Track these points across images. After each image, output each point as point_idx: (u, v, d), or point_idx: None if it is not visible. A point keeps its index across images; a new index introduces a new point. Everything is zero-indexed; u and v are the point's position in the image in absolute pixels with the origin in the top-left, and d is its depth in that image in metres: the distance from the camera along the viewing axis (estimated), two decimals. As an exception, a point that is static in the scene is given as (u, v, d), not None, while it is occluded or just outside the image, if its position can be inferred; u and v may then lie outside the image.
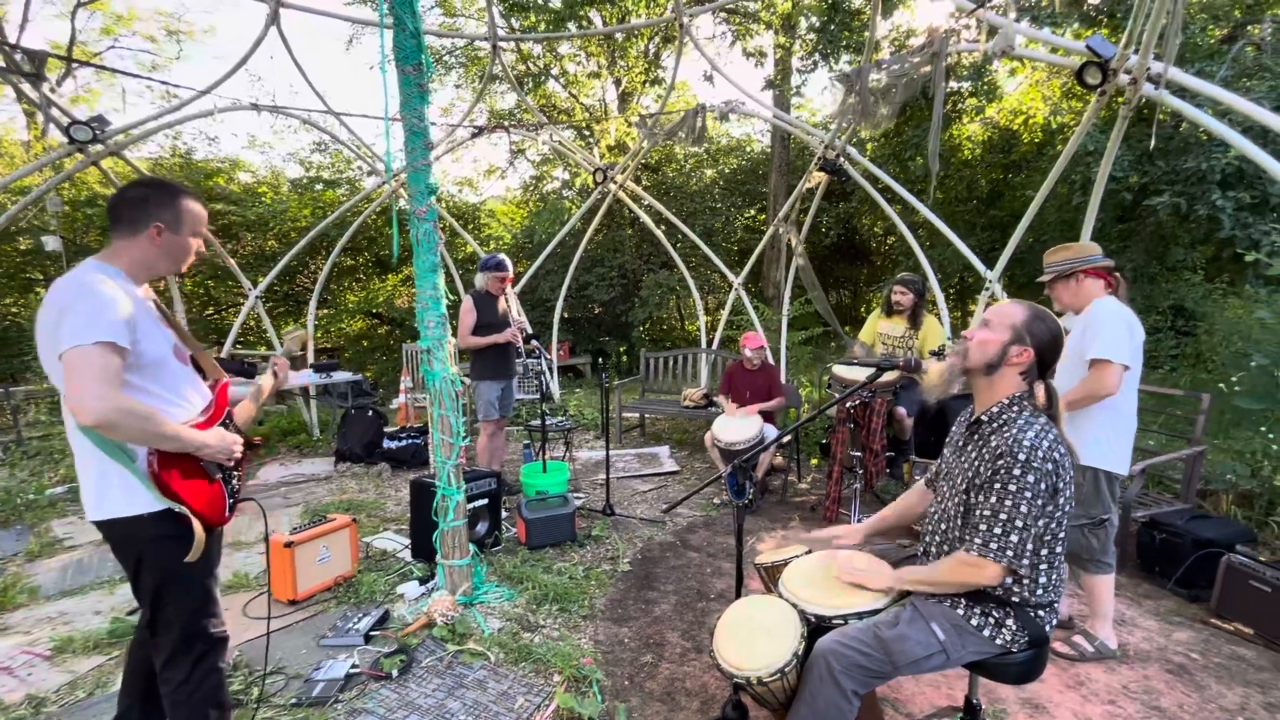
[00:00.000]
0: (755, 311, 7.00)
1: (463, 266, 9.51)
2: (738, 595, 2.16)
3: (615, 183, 6.79)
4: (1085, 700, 2.42)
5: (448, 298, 3.07)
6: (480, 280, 4.43)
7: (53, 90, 4.55)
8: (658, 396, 6.90)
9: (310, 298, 6.87)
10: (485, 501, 3.71)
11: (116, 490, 1.62)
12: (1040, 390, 1.76)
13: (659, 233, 7.33)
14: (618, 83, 12.29)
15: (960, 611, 1.70)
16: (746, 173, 12.73)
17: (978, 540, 1.62)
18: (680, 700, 2.42)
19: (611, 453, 4.77)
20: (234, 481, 1.88)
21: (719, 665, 1.81)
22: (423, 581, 3.27)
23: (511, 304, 4.60)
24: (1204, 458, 3.82)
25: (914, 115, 7.20)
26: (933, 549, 1.85)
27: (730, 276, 6.90)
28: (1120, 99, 3.49)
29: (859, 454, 4.07)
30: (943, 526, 1.81)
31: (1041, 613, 1.68)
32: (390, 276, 12.89)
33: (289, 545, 3.09)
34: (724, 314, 7.23)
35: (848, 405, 4.08)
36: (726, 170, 12.50)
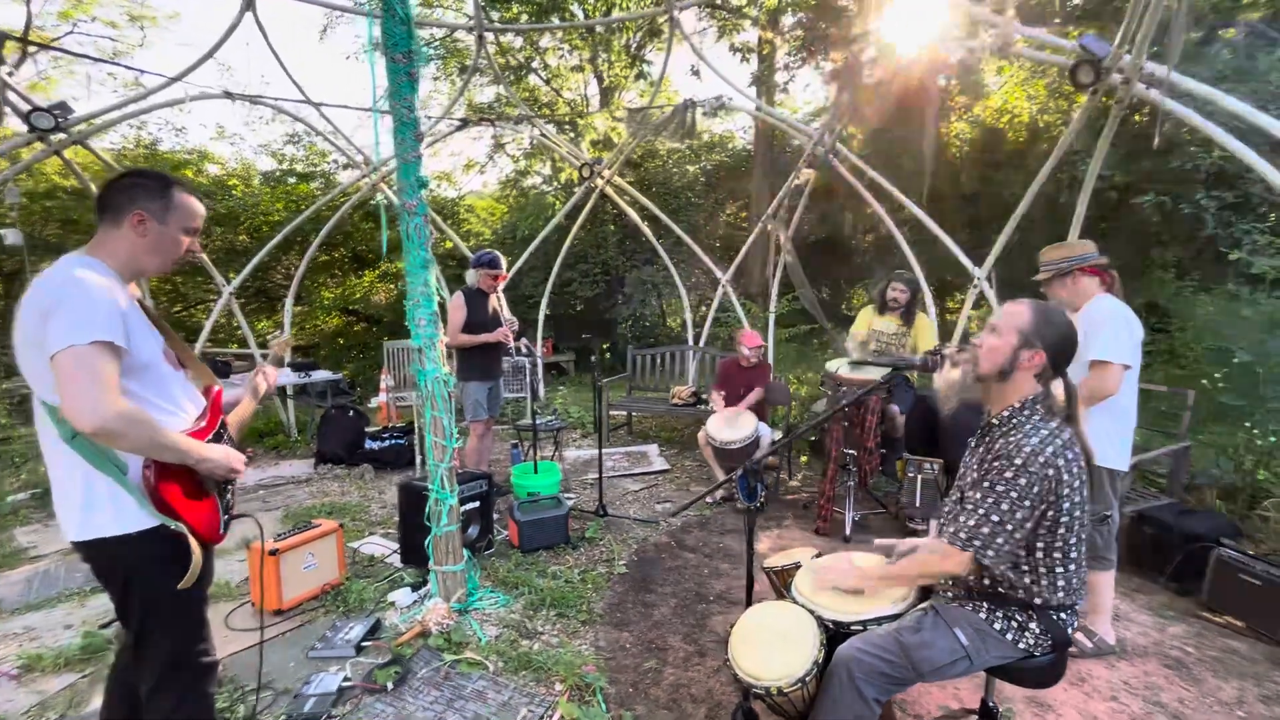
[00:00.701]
0: (742, 308, 6.98)
1: (442, 263, 9.33)
2: (748, 600, 2.12)
3: (603, 178, 6.70)
4: (1088, 697, 2.43)
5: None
6: (471, 277, 4.32)
7: (10, 74, 4.29)
8: (644, 394, 6.84)
9: (283, 294, 6.66)
10: (476, 504, 3.61)
11: (105, 507, 1.50)
12: (1058, 389, 1.74)
13: (646, 229, 7.25)
14: (600, 77, 12.16)
15: (983, 615, 1.67)
16: (729, 169, 12.72)
17: (950, 529, 1.64)
18: (687, 708, 2.37)
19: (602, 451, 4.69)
20: (228, 496, 1.76)
21: (737, 676, 1.75)
22: (415, 588, 3.17)
23: (502, 302, 4.49)
24: (1189, 453, 3.89)
25: (901, 115, 7.24)
26: None
27: (718, 273, 6.86)
28: (1108, 99, 3.52)
29: (853, 452, 4.06)
30: (949, 528, 1.78)
31: (1064, 615, 1.66)
32: (367, 272, 12.61)
33: (274, 553, 2.96)
34: (711, 311, 7.19)
35: (842, 404, 4.06)
36: (709, 166, 12.47)
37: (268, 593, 2.97)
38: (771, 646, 1.76)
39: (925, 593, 1.88)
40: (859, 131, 6.13)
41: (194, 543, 1.57)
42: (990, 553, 1.58)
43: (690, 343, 7.30)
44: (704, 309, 8.28)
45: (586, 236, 9.30)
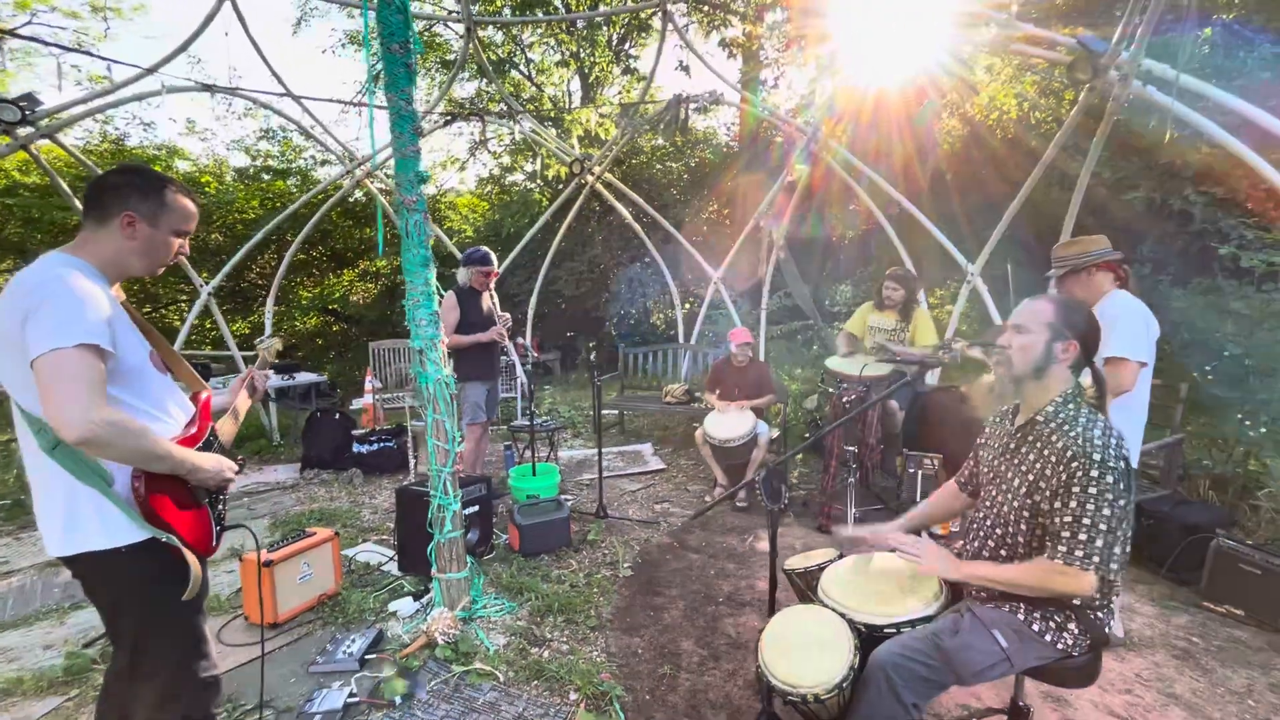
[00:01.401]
0: (734, 306, 6.96)
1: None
2: (771, 603, 2.07)
3: (593, 174, 6.61)
4: (1103, 691, 2.44)
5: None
6: (463, 275, 4.21)
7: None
8: (636, 393, 6.77)
9: (259, 294, 6.47)
10: (476, 509, 3.53)
11: (91, 520, 1.40)
12: (1088, 379, 1.72)
13: (638, 226, 7.18)
14: (584, 74, 12.04)
15: (1020, 617, 1.64)
16: (712, 165, 12.69)
17: (1063, 548, 1.54)
18: (706, 714, 2.32)
19: (596, 452, 4.62)
20: (220, 506, 1.67)
21: (771, 684, 1.71)
22: (416, 597, 3.07)
23: (495, 300, 4.39)
24: (1182, 445, 3.96)
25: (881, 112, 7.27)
26: (985, 554, 1.78)
27: (709, 270, 6.83)
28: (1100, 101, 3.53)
29: (853, 448, 4.05)
30: (998, 531, 1.74)
31: (1101, 614, 1.64)
32: (346, 271, 12.36)
33: (268, 564, 2.84)
34: (703, 308, 7.15)
35: (842, 400, 4.05)
36: (693, 163, 12.42)
37: (260, 605, 2.86)
38: (805, 651, 1.72)
39: (957, 593, 1.86)
40: (843, 133, 6.13)
41: (191, 557, 1.47)
42: (1114, 565, 1.53)
43: (682, 340, 7.26)
44: (689, 305, 8.25)
45: (573, 233, 9.21)
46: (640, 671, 2.57)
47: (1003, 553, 1.73)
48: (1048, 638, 1.62)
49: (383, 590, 3.22)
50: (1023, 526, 1.67)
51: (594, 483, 4.65)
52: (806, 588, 2.11)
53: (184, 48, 4.60)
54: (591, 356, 4.37)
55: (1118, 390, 2.42)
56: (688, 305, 8.14)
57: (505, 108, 7.25)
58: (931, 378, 5.01)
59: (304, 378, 6.30)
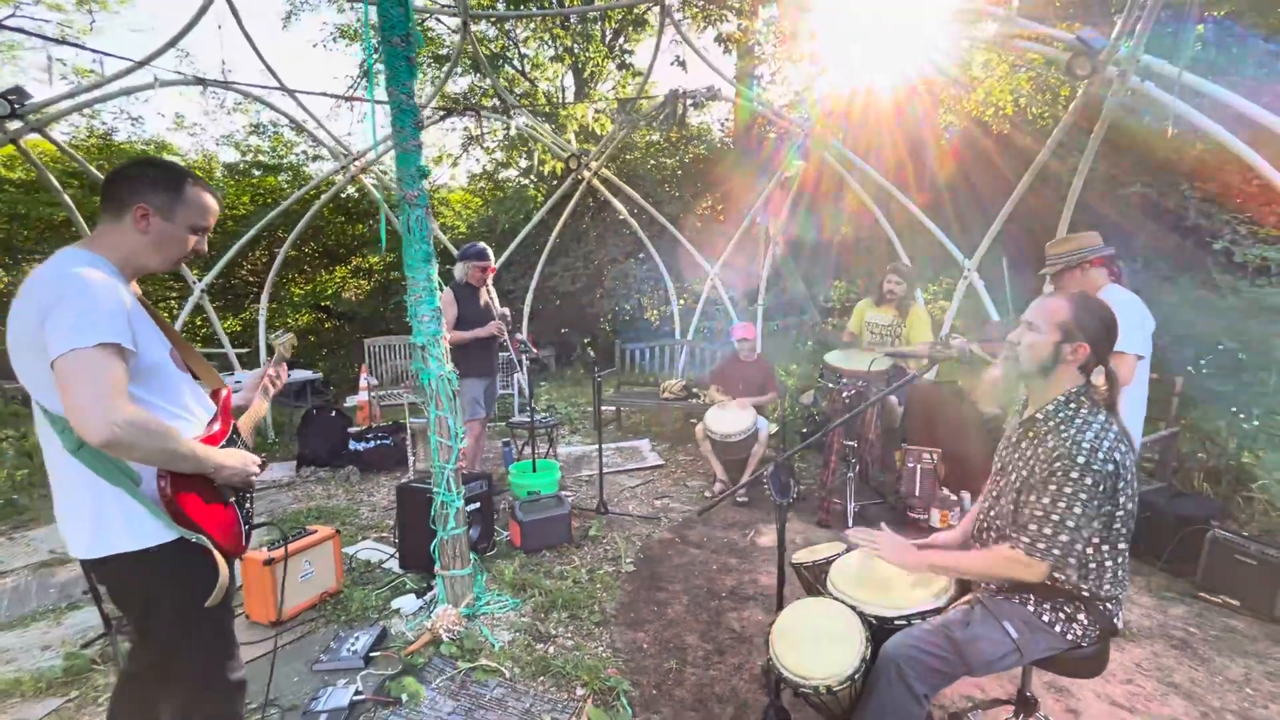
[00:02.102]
0: (730, 301, 6.96)
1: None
2: (779, 598, 2.08)
3: (590, 170, 6.59)
4: (1105, 681, 2.46)
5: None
6: (460, 271, 4.19)
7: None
8: (632, 389, 6.77)
9: (250, 291, 6.41)
10: (477, 505, 3.51)
11: (118, 521, 1.38)
12: (1100, 378, 1.73)
13: (634, 222, 7.17)
14: (579, 68, 11.98)
15: (1030, 608, 1.66)
16: (707, 161, 12.68)
17: (1025, 539, 1.59)
18: (714, 708, 2.33)
19: (595, 448, 4.62)
20: (248, 505, 1.65)
21: (783, 676, 1.71)
22: (419, 594, 3.06)
23: (493, 295, 4.37)
24: (1176, 438, 4.00)
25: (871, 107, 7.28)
26: (988, 539, 1.80)
27: (706, 266, 6.83)
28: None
29: (852, 443, 4.07)
30: (998, 523, 1.76)
31: (1110, 605, 1.66)
32: (339, 268, 12.27)
33: (269, 563, 2.82)
34: (700, 304, 7.15)
35: (843, 395, 4.06)
36: (687, 159, 12.41)
37: (265, 603, 2.84)
38: (816, 644, 1.73)
39: (965, 585, 1.87)
40: (837, 128, 6.14)
41: (220, 557, 1.46)
42: (1072, 560, 1.56)
43: (678, 336, 7.26)
44: (684, 301, 8.25)
45: (568, 229, 9.19)
46: (646, 666, 2.58)
47: (993, 538, 1.75)
48: (1058, 629, 1.64)
49: (384, 588, 3.21)
50: (1010, 518, 1.68)
51: (593, 479, 4.65)
52: (815, 581, 2.12)
53: (177, 39, 4.53)
54: (590, 353, 4.36)
55: (1118, 385, 2.44)
56: (683, 300, 8.15)
57: (499, 102, 7.20)
58: (929, 373, 5.04)
59: (298, 375, 6.25)
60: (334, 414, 5.59)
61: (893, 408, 4.32)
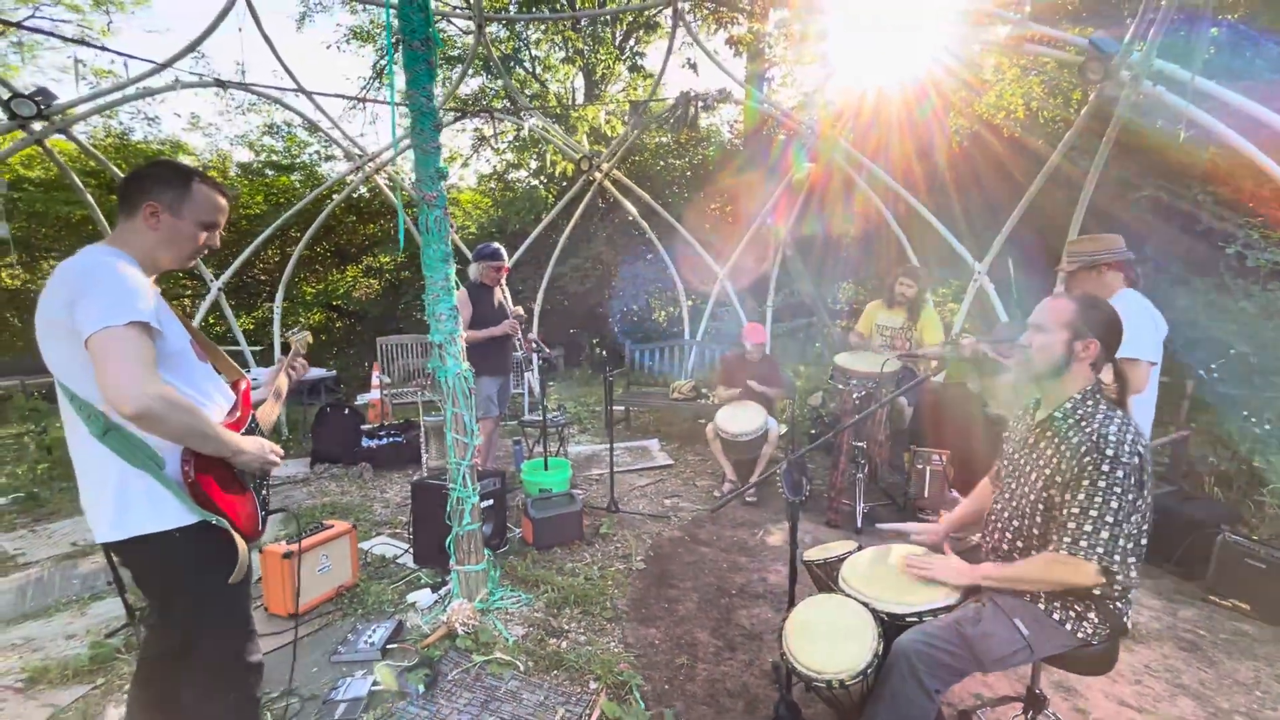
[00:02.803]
0: (739, 302, 6.99)
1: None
2: (791, 595, 2.11)
3: (601, 171, 6.63)
4: (1113, 681, 2.48)
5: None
6: (475, 271, 4.23)
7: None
8: (641, 389, 6.81)
9: (263, 289, 6.49)
10: (490, 502, 3.56)
11: (142, 503, 1.43)
12: (1109, 376, 1.76)
13: (644, 224, 7.21)
14: (589, 71, 12.04)
15: (1041, 606, 1.68)
16: (715, 163, 12.70)
17: (1067, 539, 1.60)
18: (724, 702, 2.36)
19: (605, 447, 4.67)
20: (264, 491, 1.70)
21: (796, 670, 1.75)
22: (434, 589, 3.11)
23: (506, 295, 4.42)
24: (1187, 441, 4.00)
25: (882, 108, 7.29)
26: (1004, 545, 1.83)
27: (715, 268, 6.85)
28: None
29: (862, 444, 4.09)
30: (1015, 524, 1.79)
31: (1120, 604, 1.68)
32: (350, 268, 12.37)
33: (288, 556, 2.88)
34: (709, 305, 7.18)
35: (853, 397, 4.08)
36: (695, 160, 12.44)
37: (283, 596, 2.89)
38: (830, 639, 1.76)
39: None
40: (845, 130, 6.16)
41: (239, 540, 1.51)
42: (1117, 558, 1.55)
43: (688, 336, 7.29)
44: (693, 301, 8.28)
45: (578, 230, 9.24)
46: (658, 662, 2.61)
47: (1019, 544, 1.77)
48: (1068, 626, 1.66)
49: (400, 582, 3.26)
50: (1038, 519, 1.71)
51: (603, 478, 4.70)
52: (826, 578, 2.15)
53: (199, 42, 4.60)
54: (601, 353, 4.41)
55: (1131, 390, 2.45)
56: (692, 301, 8.19)
57: (511, 104, 7.26)
58: (938, 375, 5.05)
59: (311, 373, 6.31)
60: (347, 411, 5.66)
61: (902, 409, 4.34)
